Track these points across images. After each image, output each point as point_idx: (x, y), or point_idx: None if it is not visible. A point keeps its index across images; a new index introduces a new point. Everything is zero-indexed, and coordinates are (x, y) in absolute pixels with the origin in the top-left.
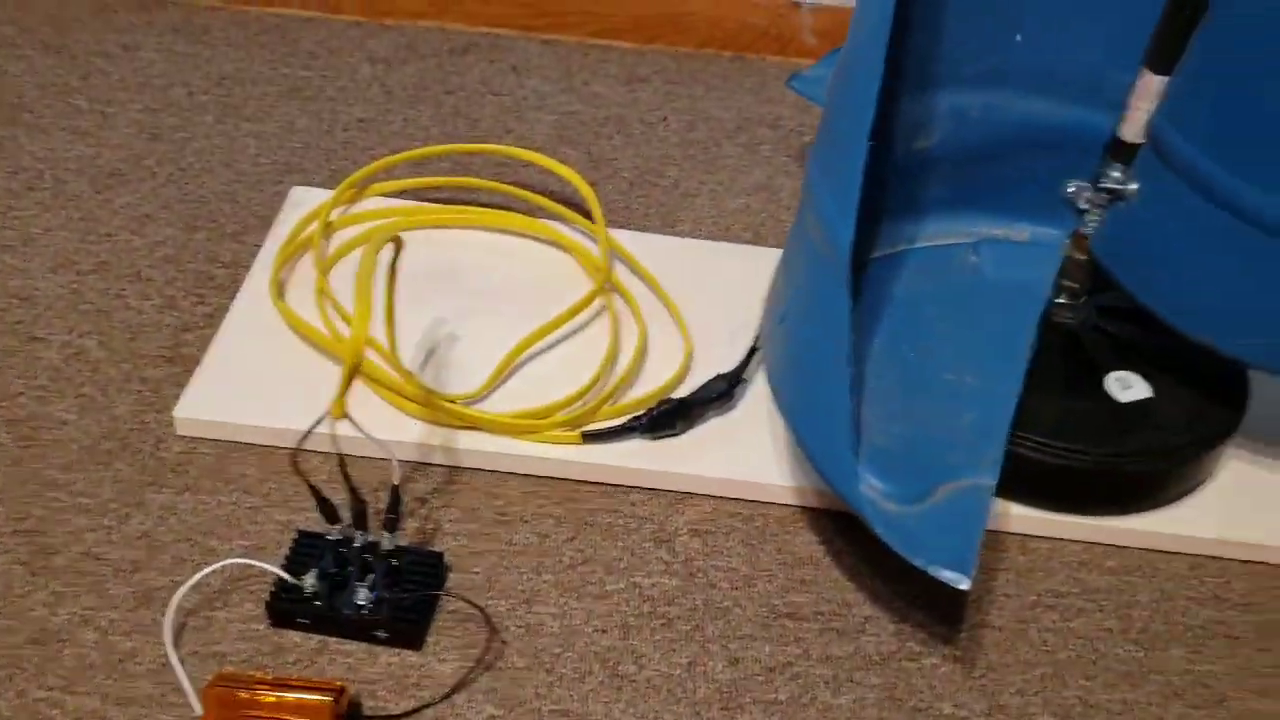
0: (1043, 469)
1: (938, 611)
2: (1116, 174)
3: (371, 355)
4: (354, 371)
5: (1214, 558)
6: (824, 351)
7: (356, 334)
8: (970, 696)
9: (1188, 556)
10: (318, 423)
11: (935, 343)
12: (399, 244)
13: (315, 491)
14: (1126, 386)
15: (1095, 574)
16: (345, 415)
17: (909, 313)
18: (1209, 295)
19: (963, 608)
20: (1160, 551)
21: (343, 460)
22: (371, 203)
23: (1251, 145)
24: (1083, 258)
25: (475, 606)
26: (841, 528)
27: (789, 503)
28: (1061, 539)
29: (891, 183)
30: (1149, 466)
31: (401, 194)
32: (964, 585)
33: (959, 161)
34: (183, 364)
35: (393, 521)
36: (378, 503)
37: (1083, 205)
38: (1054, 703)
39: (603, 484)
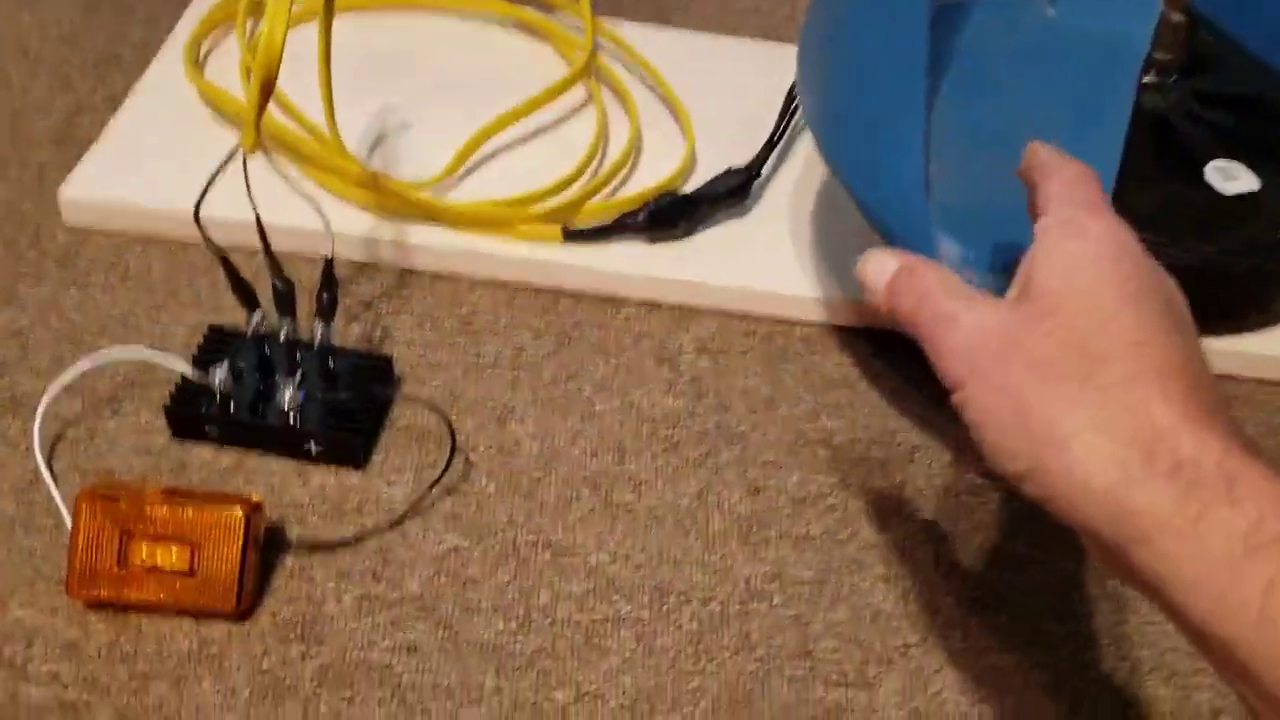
0: None
1: None
2: None
3: (299, 131)
4: (269, 86)
5: None
6: (887, 59)
7: (270, 35)
8: (1049, 534)
9: None
10: (228, 160)
11: (1012, 100)
12: None
13: (227, 265)
14: (1230, 177)
15: None
16: (259, 148)
17: (977, 65)
18: None
19: None
20: (1270, 382)
21: (262, 227)
22: None
23: None
24: (1180, 18)
25: (437, 411)
26: (880, 348)
27: (815, 319)
28: None
29: None
30: (1258, 262)
31: None
32: None
33: None
34: (75, 147)
35: (328, 306)
36: (309, 304)
37: None
38: None
39: (590, 294)
